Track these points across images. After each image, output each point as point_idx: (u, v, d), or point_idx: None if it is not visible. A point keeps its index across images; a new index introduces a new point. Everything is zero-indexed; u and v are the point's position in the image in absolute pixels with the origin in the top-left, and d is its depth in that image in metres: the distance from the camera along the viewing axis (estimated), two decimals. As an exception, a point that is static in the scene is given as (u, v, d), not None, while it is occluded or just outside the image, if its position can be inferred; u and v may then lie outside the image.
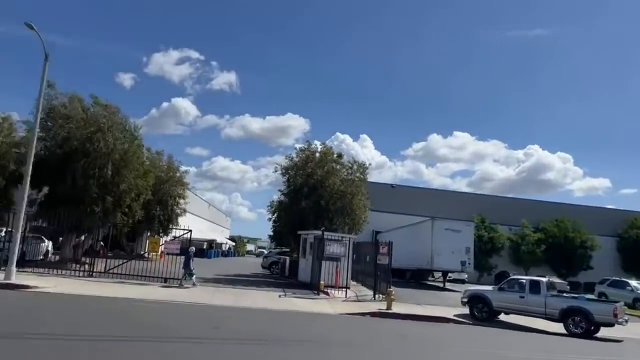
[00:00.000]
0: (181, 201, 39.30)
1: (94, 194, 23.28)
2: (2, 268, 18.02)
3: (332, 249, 22.83)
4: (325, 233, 23.17)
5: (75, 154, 23.28)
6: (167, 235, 37.32)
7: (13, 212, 20.79)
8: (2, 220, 23.01)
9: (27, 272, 19.47)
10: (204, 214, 71.32)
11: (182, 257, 21.21)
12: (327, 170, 29.92)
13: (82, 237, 26.40)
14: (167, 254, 22.63)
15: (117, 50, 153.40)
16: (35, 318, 11.05)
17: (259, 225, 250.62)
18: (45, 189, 24.01)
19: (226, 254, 75.41)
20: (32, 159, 17.99)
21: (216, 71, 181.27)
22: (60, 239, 27.36)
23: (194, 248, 21.89)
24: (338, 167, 30.70)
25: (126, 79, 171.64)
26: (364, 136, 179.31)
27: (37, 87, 18.43)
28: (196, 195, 61.96)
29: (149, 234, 37.19)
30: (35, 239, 24.95)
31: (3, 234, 23.88)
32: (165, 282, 20.76)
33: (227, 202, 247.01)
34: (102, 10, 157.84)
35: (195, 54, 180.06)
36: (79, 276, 20.58)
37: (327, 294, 21.23)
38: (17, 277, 16.94)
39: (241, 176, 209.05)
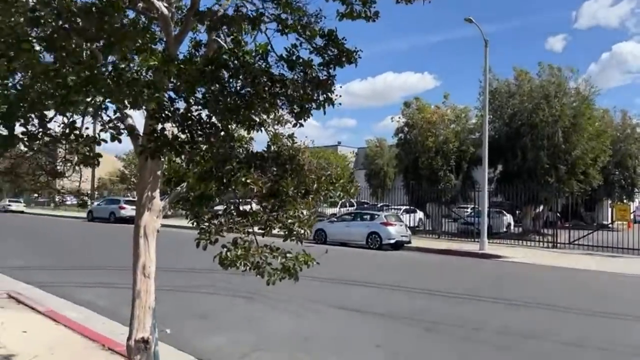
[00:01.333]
0: (646, 160, 33.28)
1: (545, 164, 22.97)
2: (476, 240, 20.62)
3: None
4: None
5: (521, 128, 23.77)
6: (632, 200, 32.61)
7: (477, 191, 23.52)
8: (469, 197, 26.36)
9: (495, 243, 21.32)
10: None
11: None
12: None
13: (540, 209, 26.60)
14: (637, 222, 19.50)
15: (541, 18, 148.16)
16: (517, 286, 11.77)
17: None
18: (499, 167, 25.86)
19: None
20: (487, 141, 19.61)
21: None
22: (518, 212, 28.63)
23: None
24: None
25: (556, 42, 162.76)
26: None
27: (474, 74, 19.96)
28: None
29: (609, 201, 33.46)
30: (496, 213, 27.18)
31: (469, 210, 27.49)
32: (644, 255, 17.88)
33: None
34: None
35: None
36: (542, 247, 20.77)
37: None
38: (488, 247, 18.80)
39: None
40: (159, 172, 3.67)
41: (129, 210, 28.67)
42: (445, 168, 24.52)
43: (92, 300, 8.04)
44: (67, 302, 7.94)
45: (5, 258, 12.42)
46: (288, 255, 3.00)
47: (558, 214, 28.69)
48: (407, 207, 29.37)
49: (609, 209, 36.26)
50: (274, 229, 3.08)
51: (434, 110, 25.77)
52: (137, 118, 3.77)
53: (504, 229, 27.12)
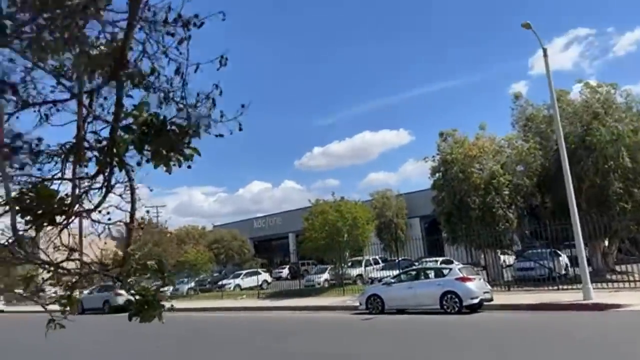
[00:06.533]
0: None
1: (618, 189, 19.77)
2: (561, 287, 17.13)
3: None
4: None
5: (576, 151, 20.67)
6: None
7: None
8: (527, 238, 22.80)
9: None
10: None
11: None
12: None
13: (606, 243, 23.03)
14: None
15: (502, 68, 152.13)
16: None
17: None
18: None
19: None
20: (565, 153, 16.52)
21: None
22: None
23: None
24: None
25: (519, 87, 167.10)
26: None
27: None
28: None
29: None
30: (551, 254, 23.24)
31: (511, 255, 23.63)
32: None
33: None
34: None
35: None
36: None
37: None
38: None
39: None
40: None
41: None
42: (501, 206, 20.99)
43: None
44: None
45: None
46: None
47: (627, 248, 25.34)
48: (444, 258, 26.11)
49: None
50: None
51: (474, 142, 22.68)
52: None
53: (563, 272, 23.27)
